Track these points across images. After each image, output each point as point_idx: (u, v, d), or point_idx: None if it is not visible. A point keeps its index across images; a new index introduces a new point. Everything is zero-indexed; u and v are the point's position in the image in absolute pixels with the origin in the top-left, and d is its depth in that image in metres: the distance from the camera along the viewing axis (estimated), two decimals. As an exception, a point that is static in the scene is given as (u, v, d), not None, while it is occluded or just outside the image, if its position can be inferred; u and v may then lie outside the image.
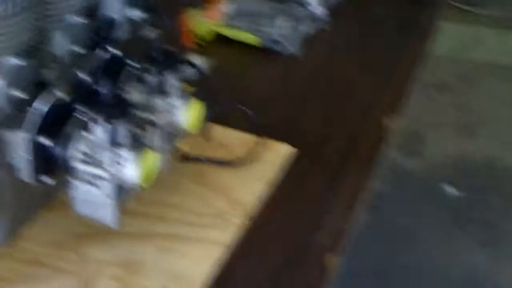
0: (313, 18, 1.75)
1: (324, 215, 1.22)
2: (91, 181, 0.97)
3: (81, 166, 0.97)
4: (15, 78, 0.98)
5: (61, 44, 1.07)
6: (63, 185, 1.01)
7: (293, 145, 1.35)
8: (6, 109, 0.97)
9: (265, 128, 1.36)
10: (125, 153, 0.96)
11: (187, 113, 1.09)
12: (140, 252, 1.09)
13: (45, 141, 0.96)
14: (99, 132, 0.95)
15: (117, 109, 0.96)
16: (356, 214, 1.24)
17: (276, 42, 1.65)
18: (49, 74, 1.04)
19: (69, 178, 0.98)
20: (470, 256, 2.69)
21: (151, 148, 1.00)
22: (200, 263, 1.09)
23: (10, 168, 0.99)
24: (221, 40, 1.69)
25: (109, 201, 0.98)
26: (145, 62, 1.08)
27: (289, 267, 1.12)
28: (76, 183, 0.98)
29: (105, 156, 0.95)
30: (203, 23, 1.68)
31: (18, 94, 0.98)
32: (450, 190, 3.01)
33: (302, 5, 1.76)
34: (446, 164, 3.20)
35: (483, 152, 3.30)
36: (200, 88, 1.14)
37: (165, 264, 1.08)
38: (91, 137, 0.96)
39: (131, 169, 0.96)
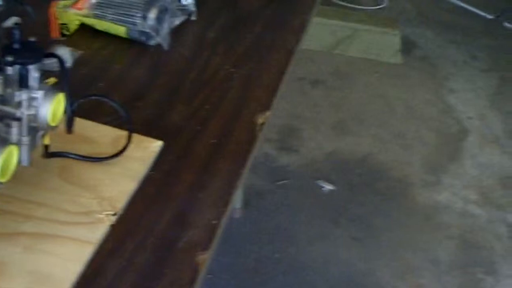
0: (182, 9, 1.72)
1: (194, 212, 1.20)
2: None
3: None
4: None
5: None
6: None
7: (162, 140, 1.32)
8: None
9: (133, 122, 1.33)
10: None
11: (49, 106, 1.05)
12: (3, 253, 1.04)
13: None
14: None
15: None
16: (227, 210, 1.22)
17: (143, 33, 1.61)
18: None
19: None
20: (346, 251, 2.72)
21: (11, 142, 0.95)
22: (68, 262, 1.04)
23: None
24: (88, 31, 1.64)
25: (-32, 198, 0.93)
26: (5, 54, 1.03)
27: (159, 265, 1.09)
28: None
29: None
30: (70, 13, 1.63)
31: None
32: (326, 186, 3.04)
33: (174, -3, 1.73)
34: (322, 160, 3.23)
35: (356, 148, 3.35)
36: (64, 81, 1.10)
37: (31, 264, 1.03)
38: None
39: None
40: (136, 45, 1.63)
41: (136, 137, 1.29)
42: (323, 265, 2.64)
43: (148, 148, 1.29)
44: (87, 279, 1.04)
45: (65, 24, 1.63)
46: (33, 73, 1.03)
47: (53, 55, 1.09)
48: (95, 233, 1.10)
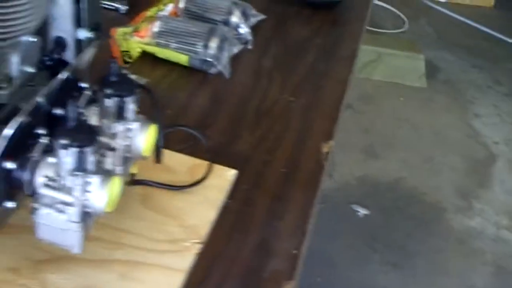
0: (239, 38, 1.75)
1: (274, 241, 1.21)
2: (56, 206, 0.94)
3: (46, 192, 0.94)
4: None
5: (16, 66, 1.04)
6: (13, 210, 0.98)
7: (233, 168, 1.34)
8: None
9: (204, 150, 1.35)
10: (93, 179, 0.93)
11: (143, 137, 1.07)
12: (100, 279, 1.06)
13: (10, 165, 0.93)
14: (66, 158, 0.92)
15: (85, 135, 0.94)
16: (306, 240, 1.24)
17: (205, 61, 1.63)
18: (5, 97, 1.01)
19: (33, 203, 0.95)
20: (383, 277, 2.73)
21: (114, 173, 0.98)
22: (161, 290, 1.07)
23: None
24: (149, 58, 1.67)
25: (75, 226, 0.95)
26: (103, 86, 1.05)
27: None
28: (40, 208, 0.95)
29: (72, 182, 0.93)
30: (132, 41, 1.65)
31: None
32: (360, 210, 3.06)
33: (228, 25, 1.75)
34: (354, 185, 3.25)
35: (386, 173, 3.36)
36: (156, 112, 1.12)
37: (126, 291, 1.05)
38: (57, 162, 0.94)
39: (99, 195, 0.94)
40: (197, 73, 1.65)
41: (211, 165, 1.31)
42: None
43: (223, 177, 1.31)
44: (179, 307, 1.06)
45: (126, 51, 1.65)
46: (130, 105, 1.05)
47: (144, 87, 1.12)
48: (184, 261, 1.12)
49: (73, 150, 0.92)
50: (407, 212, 3.11)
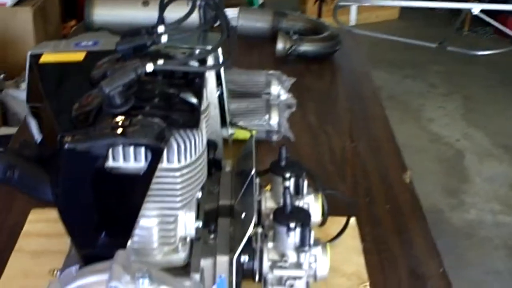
0: (286, 103, 1.90)
1: (420, 266, 1.40)
2: (286, 283, 1.09)
3: (278, 273, 1.09)
4: (197, 210, 1.10)
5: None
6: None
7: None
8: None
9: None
10: (316, 250, 1.10)
11: (318, 207, 1.24)
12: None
13: (243, 258, 1.08)
14: (294, 238, 1.08)
15: (303, 215, 1.10)
16: (441, 259, 1.42)
17: (269, 132, 1.79)
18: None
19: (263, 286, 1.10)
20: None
21: (324, 241, 1.14)
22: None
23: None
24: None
25: (305, 297, 1.11)
26: (274, 171, 1.21)
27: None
28: (270, 288, 1.10)
29: (301, 258, 1.09)
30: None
31: (198, 223, 1.10)
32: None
33: (273, 94, 1.90)
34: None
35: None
36: (318, 185, 1.29)
37: None
38: (278, 244, 1.09)
39: (323, 263, 1.10)
40: (261, 144, 1.78)
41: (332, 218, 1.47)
42: None
43: (349, 224, 1.47)
44: None
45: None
46: (305, 182, 1.21)
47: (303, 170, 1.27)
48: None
49: (300, 230, 1.08)
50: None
